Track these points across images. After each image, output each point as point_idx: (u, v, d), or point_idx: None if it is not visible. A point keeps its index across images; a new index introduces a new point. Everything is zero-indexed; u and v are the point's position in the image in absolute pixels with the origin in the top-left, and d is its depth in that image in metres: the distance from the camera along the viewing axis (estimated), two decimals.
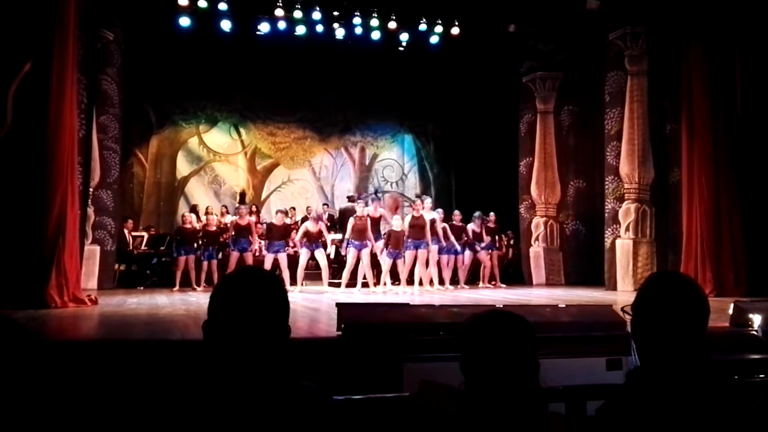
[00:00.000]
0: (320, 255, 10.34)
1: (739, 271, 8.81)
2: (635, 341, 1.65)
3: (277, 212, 10.96)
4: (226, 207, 13.07)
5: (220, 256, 10.57)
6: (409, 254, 10.17)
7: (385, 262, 10.21)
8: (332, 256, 11.26)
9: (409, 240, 10.16)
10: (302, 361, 3.52)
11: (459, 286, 11.12)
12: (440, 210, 11.39)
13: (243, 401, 1.37)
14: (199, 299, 8.19)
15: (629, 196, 10.47)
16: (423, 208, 10.44)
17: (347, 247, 10.18)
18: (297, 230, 10.66)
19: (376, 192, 12.96)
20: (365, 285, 10.14)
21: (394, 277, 10.61)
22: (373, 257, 10.33)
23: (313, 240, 10.26)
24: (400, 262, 10.24)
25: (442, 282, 10.79)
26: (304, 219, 11.65)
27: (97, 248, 10.55)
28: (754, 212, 8.94)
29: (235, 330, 1.39)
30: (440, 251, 10.75)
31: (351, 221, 10.15)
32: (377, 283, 10.24)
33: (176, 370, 1.46)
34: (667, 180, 10.35)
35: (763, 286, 8.57)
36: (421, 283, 10.45)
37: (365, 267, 10.07)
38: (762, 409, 1.44)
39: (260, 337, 1.40)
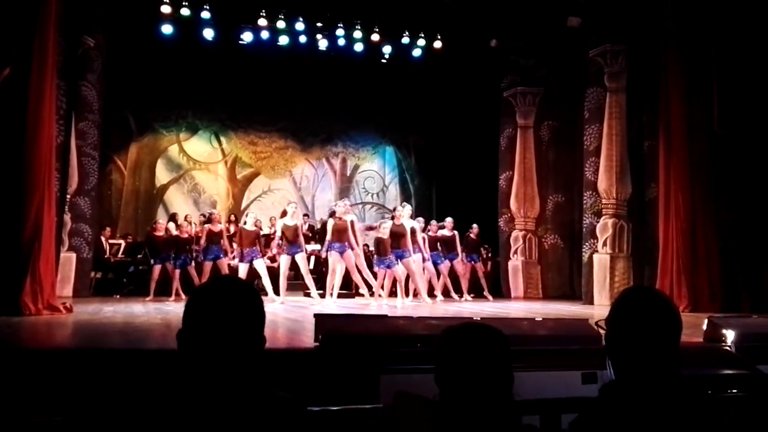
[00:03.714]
0: (300, 259, 9.82)
1: (714, 287, 8.89)
2: (609, 355, 1.66)
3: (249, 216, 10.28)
4: (204, 215, 12.94)
5: (193, 264, 10.25)
6: (398, 268, 9.67)
7: (380, 274, 9.85)
8: (311, 266, 11.06)
9: (392, 251, 9.62)
10: (280, 372, 3.50)
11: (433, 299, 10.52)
12: (421, 219, 11.05)
13: (216, 411, 1.36)
14: (175, 308, 8.10)
15: (607, 211, 10.57)
16: (403, 216, 10.07)
17: (328, 251, 9.64)
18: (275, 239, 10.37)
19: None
20: (350, 296, 9.93)
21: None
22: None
23: (291, 241, 9.70)
24: (395, 273, 9.74)
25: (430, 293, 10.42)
26: None
27: (74, 255, 10.42)
28: (729, 229, 9.07)
29: (209, 339, 1.39)
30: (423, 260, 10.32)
31: (330, 222, 9.65)
32: (371, 293, 9.95)
33: (151, 380, 1.44)
34: (644, 196, 10.48)
35: (737, 303, 8.69)
36: (415, 295, 10.06)
37: (352, 273, 9.70)
38: (734, 424, 1.46)
39: (234, 347, 1.40)
